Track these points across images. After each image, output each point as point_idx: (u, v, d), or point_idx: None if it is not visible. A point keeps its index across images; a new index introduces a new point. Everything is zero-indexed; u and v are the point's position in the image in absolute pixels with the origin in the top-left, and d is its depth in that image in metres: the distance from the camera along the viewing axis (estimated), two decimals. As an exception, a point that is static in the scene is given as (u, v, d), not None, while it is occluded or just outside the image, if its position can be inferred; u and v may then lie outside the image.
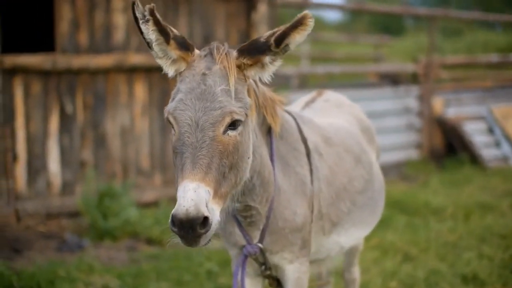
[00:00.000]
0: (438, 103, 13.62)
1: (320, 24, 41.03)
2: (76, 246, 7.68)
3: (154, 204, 9.09)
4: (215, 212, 2.95)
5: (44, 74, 8.60)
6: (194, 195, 2.86)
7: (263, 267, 3.83)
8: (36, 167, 8.62)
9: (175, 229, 2.89)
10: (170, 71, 3.32)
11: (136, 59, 9.09)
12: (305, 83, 19.14)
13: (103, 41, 9.05)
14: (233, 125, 3.10)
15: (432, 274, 6.62)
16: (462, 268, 6.71)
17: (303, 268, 3.82)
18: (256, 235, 3.69)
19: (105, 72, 9.05)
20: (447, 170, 12.48)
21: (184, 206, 2.83)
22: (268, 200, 3.62)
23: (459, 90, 14.66)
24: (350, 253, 5.25)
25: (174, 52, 3.25)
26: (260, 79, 3.36)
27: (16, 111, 8.42)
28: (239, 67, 3.23)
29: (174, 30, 3.26)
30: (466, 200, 9.71)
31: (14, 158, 8.36)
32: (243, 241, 3.72)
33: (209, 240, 2.99)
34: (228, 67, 3.16)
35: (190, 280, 6.62)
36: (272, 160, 3.65)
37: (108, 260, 7.35)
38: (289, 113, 3.96)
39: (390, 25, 40.80)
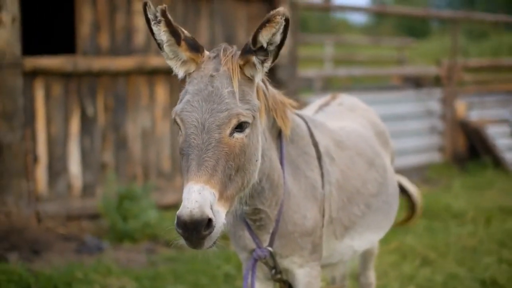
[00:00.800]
0: (461, 106, 13.52)
1: (345, 26, 40.98)
2: (95, 248, 7.71)
3: (175, 206, 9.07)
4: (220, 215, 2.94)
5: (65, 76, 8.64)
6: (199, 197, 2.85)
7: (273, 271, 3.81)
8: (57, 169, 8.66)
9: (180, 231, 2.89)
10: (180, 72, 3.30)
11: (157, 61, 9.10)
12: (329, 85, 19.13)
13: (124, 43, 9.08)
14: (240, 127, 3.08)
15: (451, 278, 6.58)
16: (481, 273, 6.66)
17: (313, 273, 3.79)
18: (265, 239, 3.68)
19: (126, 74, 9.08)
20: (470, 174, 12.40)
21: (188, 208, 2.82)
22: (278, 203, 3.60)
23: (482, 93, 14.58)
24: (365, 257, 5.23)
25: (185, 54, 3.24)
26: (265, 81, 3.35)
27: (36, 113, 8.46)
28: (240, 67, 3.21)
29: (185, 32, 3.25)
30: (487, 204, 9.64)
31: (35, 160, 8.41)
32: (252, 245, 3.71)
33: (215, 242, 2.98)
34: (232, 69, 3.14)
35: (207, 283, 6.61)
36: (281, 163, 3.62)
37: (127, 262, 7.36)
38: (300, 116, 3.93)
39: (415, 28, 40.59)
